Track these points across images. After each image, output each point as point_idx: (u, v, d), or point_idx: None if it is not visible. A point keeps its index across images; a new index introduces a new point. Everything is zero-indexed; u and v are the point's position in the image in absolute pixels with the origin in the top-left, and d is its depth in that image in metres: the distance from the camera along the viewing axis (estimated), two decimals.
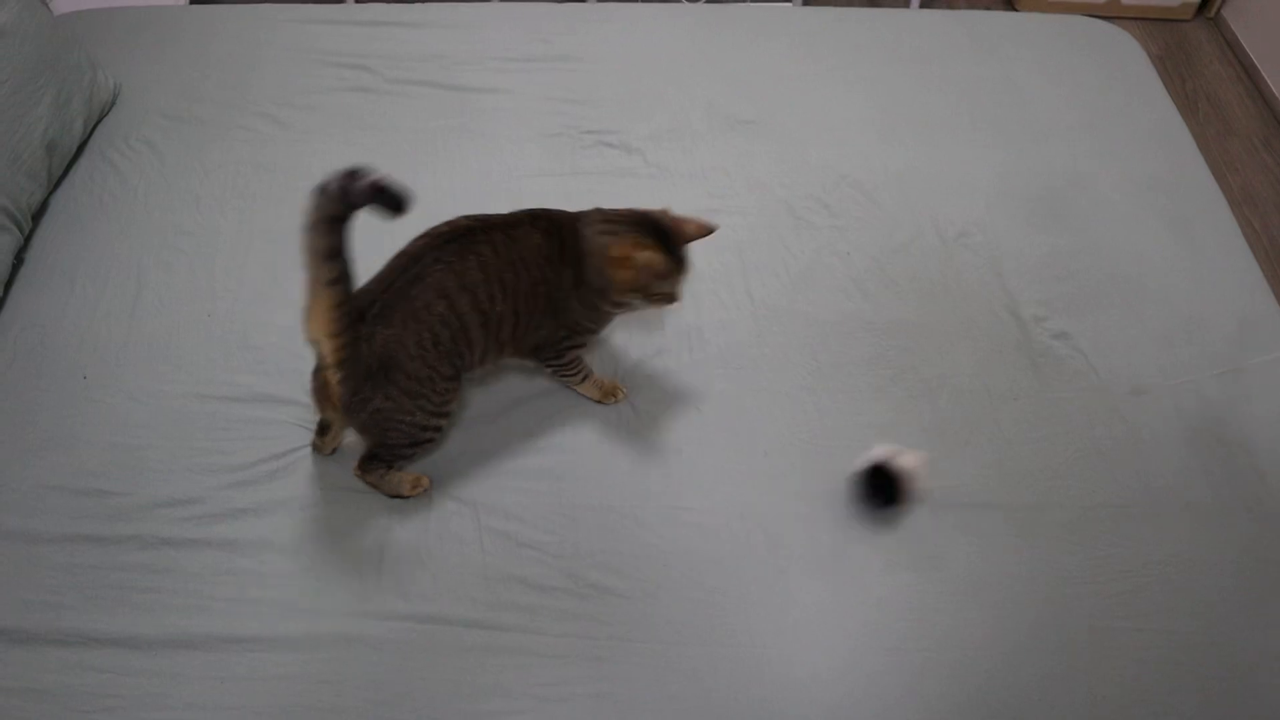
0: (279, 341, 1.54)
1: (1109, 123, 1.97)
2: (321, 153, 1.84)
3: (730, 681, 1.24)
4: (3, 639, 1.25)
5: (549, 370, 1.46)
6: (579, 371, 1.46)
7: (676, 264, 1.31)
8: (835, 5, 2.64)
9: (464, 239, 1.29)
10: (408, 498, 1.39)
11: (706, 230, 1.34)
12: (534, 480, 1.42)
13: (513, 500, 1.39)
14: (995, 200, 1.82)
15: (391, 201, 1.14)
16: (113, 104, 1.94)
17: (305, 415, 1.46)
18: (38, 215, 1.72)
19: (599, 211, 1.36)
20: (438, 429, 1.36)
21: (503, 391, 1.51)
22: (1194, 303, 1.66)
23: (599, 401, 1.50)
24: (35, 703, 1.20)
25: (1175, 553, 1.36)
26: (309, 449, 1.43)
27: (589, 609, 1.29)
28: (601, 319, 1.42)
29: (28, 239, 1.68)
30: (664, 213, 1.34)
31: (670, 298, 1.35)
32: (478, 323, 1.29)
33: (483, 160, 1.86)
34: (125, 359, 1.53)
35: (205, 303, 1.60)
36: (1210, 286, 1.69)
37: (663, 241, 1.31)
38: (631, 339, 1.58)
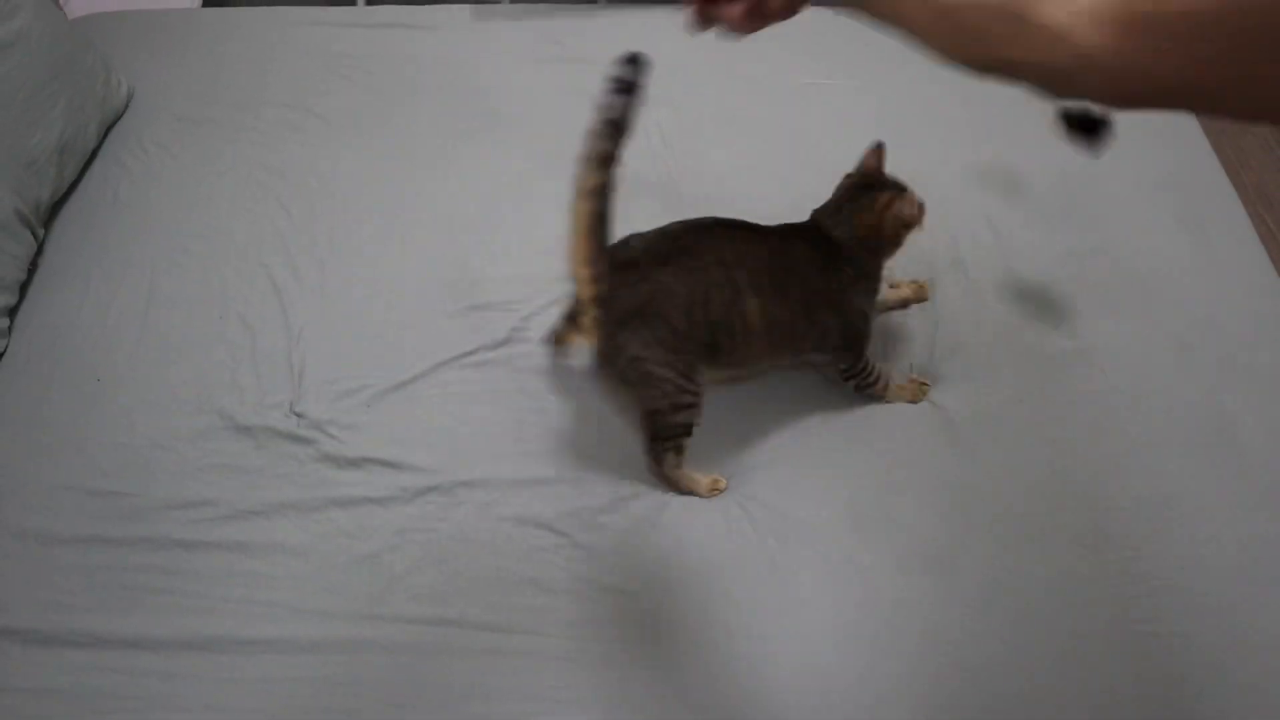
0: (291, 344, 1.55)
1: (1120, 120, 1.95)
2: (333, 155, 1.84)
3: (741, 684, 1.24)
4: (17, 639, 1.26)
5: (854, 386, 1.47)
6: (879, 377, 1.47)
7: (899, 190, 1.37)
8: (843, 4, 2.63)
9: (740, 228, 1.35)
10: (705, 498, 1.40)
11: (880, 150, 1.40)
12: (545, 484, 1.42)
13: (524, 503, 1.39)
14: (1006, 199, 1.81)
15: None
16: (126, 107, 1.95)
17: (315, 421, 1.46)
18: (51, 218, 1.73)
19: (824, 208, 1.41)
20: (694, 398, 1.33)
21: (511, 400, 1.51)
22: (1207, 303, 1.64)
23: (912, 402, 1.50)
24: (50, 703, 1.21)
25: (1190, 556, 1.35)
26: (317, 453, 1.44)
27: (600, 611, 1.29)
28: (876, 294, 1.45)
29: (41, 242, 1.69)
30: (863, 168, 1.40)
31: (920, 210, 1.39)
32: (755, 307, 1.30)
33: (496, 162, 1.86)
34: (138, 361, 1.53)
35: (217, 305, 1.61)
36: (1224, 286, 1.67)
37: (876, 186, 1.37)
38: None
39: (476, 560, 1.34)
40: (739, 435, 1.47)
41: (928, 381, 1.52)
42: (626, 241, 1.31)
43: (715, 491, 1.40)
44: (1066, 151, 1.87)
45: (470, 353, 1.54)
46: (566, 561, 1.34)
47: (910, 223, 1.38)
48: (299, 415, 1.47)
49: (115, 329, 1.57)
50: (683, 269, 1.28)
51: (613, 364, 1.31)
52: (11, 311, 1.58)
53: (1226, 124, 2.88)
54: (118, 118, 1.93)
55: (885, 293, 1.54)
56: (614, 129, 1.17)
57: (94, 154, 1.86)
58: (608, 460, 1.44)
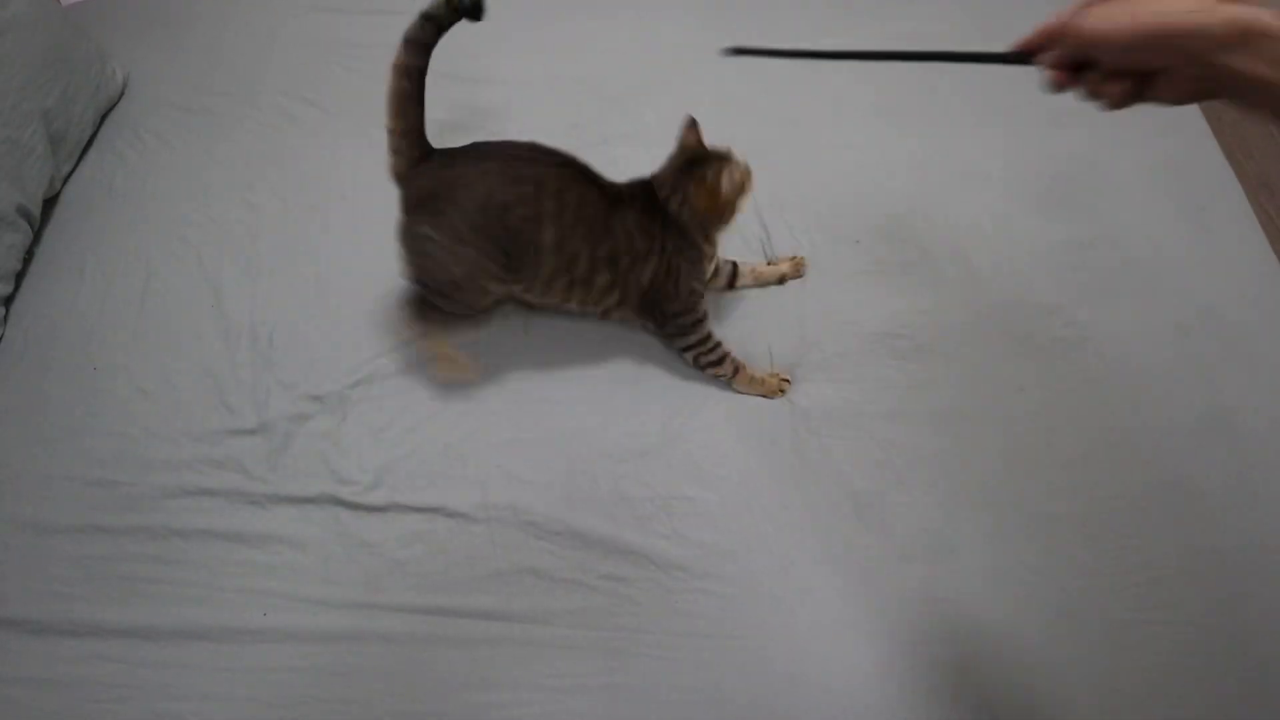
0: (287, 332, 1.55)
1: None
2: (331, 144, 1.83)
3: (741, 672, 1.24)
4: (15, 629, 1.26)
5: (693, 361, 1.48)
6: (724, 358, 1.47)
7: (724, 159, 1.38)
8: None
9: (581, 171, 1.38)
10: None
11: (695, 126, 1.41)
12: (545, 473, 1.41)
13: (523, 492, 1.39)
14: (1007, 188, 1.80)
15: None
16: (121, 95, 1.94)
17: (314, 408, 1.46)
18: (47, 207, 1.72)
19: (659, 181, 1.41)
20: (470, 303, 1.42)
21: (516, 385, 1.51)
22: (1208, 290, 1.64)
23: (765, 397, 1.49)
24: (48, 693, 1.21)
25: (1190, 544, 1.35)
26: (314, 440, 1.43)
27: (599, 601, 1.29)
28: (705, 262, 1.46)
29: (37, 232, 1.68)
30: (681, 146, 1.41)
31: (748, 172, 1.40)
32: (551, 238, 1.34)
33: None
34: (134, 350, 1.53)
35: (214, 294, 1.60)
36: (1224, 274, 1.67)
37: (703, 160, 1.38)
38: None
39: (474, 549, 1.34)
40: (734, 423, 1.47)
41: (789, 378, 1.50)
42: (481, 143, 1.38)
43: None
44: (1068, 139, 1.88)
45: (471, 342, 1.54)
46: (564, 550, 1.33)
47: (742, 191, 1.39)
48: (297, 403, 1.47)
49: (112, 318, 1.57)
50: (494, 173, 1.33)
51: (406, 237, 1.36)
52: (8, 301, 1.58)
53: (1227, 112, 2.86)
54: (113, 106, 1.92)
55: (760, 269, 1.61)
56: (432, 25, 1.31)
57: (90, 142, 1.85)
58: (608, 451, 1.44)
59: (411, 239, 1.36)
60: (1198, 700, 1.22)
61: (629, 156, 1.82)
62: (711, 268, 1.50)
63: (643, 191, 1.41)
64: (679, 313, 1.44)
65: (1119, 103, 0.80)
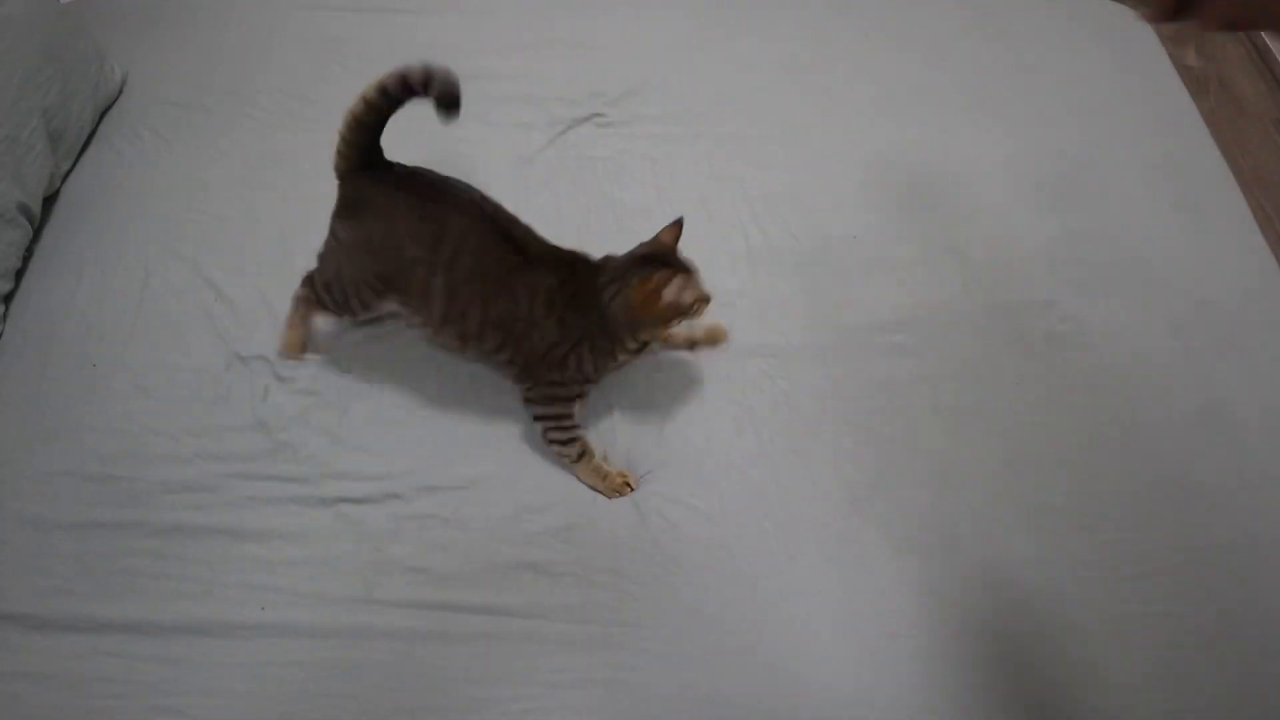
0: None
1: (1119, 105, 1.96)
2: (329, 141, 1.82)
3: (739, 666, 1.24)
4: (16, 625, 1.26)
5: (542, 433, 1.41)
6: (573, 440, 1.39)
7: (685, 273, 1.31)
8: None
9: (508, 228, 1.36)
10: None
11: (678, 226, 1.36)
12: (542, 468, 1.42)
13: (521, 488, 1.40)
14: (1004, 183, 1.80)
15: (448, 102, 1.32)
16: (120, 93, 1.94)
17: (313, 403, 1.47)
18: (46, 205, 1.72)
19: (611, 264, 1.36)
20: (354, 312, 1.46)
21: (508, 387, 1.51)
22: (1204, 286, 1.64)
23: (603, 493, 1.39)
24: (49, 688, 1.21)
25: (1184, 537, 1.36)
26: (313, 435, 1.44)
27: (598, 595, 1.30)
28: (614, 358, 1.39)
29: (37, 229, 1.68)
30: (654, 240, 1.36)
31: (704, 300, 1.33)
32: (442, 284, 1.34)
33: (489, 146, 1.85)
34: (133, 346, 1.53)
35: (212, 291, 1.60)
36: (1220, 270, 1.67)
37: (664, 263, 1.31)
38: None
39: (473, 545, 1.34)
40: (732, 418, 1.47)
41: (632, 484, 1.40)
42: (421, 172, 1.40)
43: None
44: (1065, 136, 1.89)
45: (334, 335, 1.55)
46: (564, 545, 1.34)
47: (684, 311, 1.31)
48: (295, 399, 1.47)
49: (111, 315, 1.57)
50: (404, 206, 1.37)
51: (330, 231, 1.43)
52: (7, 298, 1.58)
53: (1224, 108, 2.87)
54: (112, 104, 1.91)
55: (675, 332, 1.47)
56: (409, 93, 1.32)
57: (89, 140, 1.85)
58: (610, 444, 1.44)
59: (329, 229, 1.43)
60: (1195, 693, 1.23)
61: (630, 157, 1.84)
62: (622, 363, 1.44)
63: (582, 267, 1.36)
64: (556, 382, 1.38)
65: (1160, 14, 0.79)
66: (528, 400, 1.42)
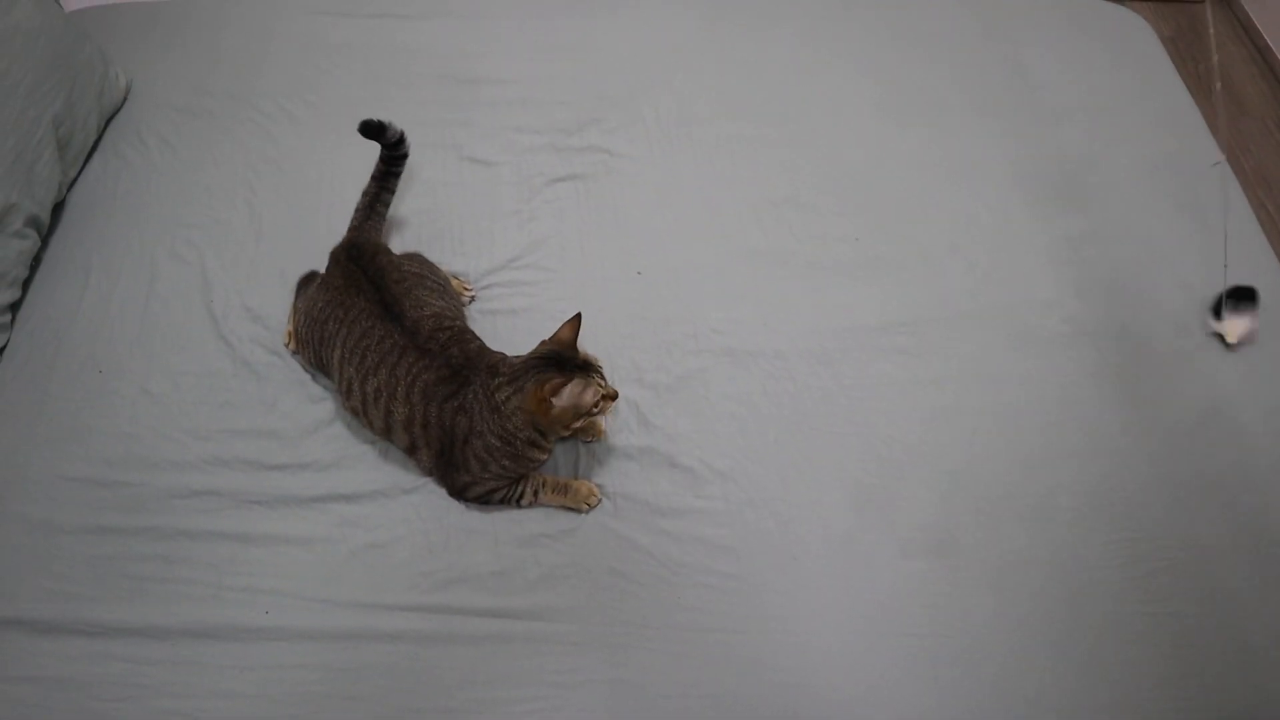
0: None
1: (1120, 105, 1.96)
2: (331, 145, 1.84)
3: (743, 666, 1.25)
4: (25, 629, 1.27)
5: (486, 500, 1.38)
6: (521, 493, 1.37)
7: (583, 373, 1.29)
8: None
9: (433, 343, 1.37)
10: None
11: (576, 323, 1.33)
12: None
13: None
14: (1005, 184, 1.81)
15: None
16: (125, 99, 1.95)
17: (319, 408, 1.47)
18: (53, 212, 1.73)
19: (504, 358, 1.36)
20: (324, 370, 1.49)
21: None
22: (1206, 286, 1.64)
23: (575, 509, 1.38)
24: (58, 692, 1.22)
25: (1187, 536, 1.36)
26: (319, 441, 1.44)
27: (601, 597, 1.30)
28: (529, 458, 1.36)
29: (44, 237, 1.69)
30: (553, 338, 1.33)
31: (609, 396, 1.32)
32: (337, 356, 1.40)
33: (490, 151, 1.86)
34: (139, 351, 1.54)
35: (217, 295, 1.61)
36: (1223, 269, 1.67)
37: (562, 365, 1.29)
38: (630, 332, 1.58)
39: (478, 548, 1.34)
40: (736, 419, 1.48)
41: (596, 492, 1.39)
42: (403, 261, 1.52)
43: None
44: (1066, 136, 1.89)
45: None
46: (567, 547, 1.34)
47: (585, 411, 1.29)
48: (301, 404, 1.48)
49: (117, 320, 1.58)
50: (323, 285, 1.48)
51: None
52: (13, 305, 1.59)
53: (1226, 108, 2.87)
54: (117, 110, 1.93)
55: (545, 491, 1.40)
56: (381, 163, 1.62)
57: (94, 147, 1.86)
58: (611, 445, 1.45)
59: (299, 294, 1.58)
60: (1192, 691, 1.23)
61: (631, 160, 1.85)
62: (542, 460, 1.39)
63: (479, 361, 1.35)
64: (466, 484, 1.36)
65: None
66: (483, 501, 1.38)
